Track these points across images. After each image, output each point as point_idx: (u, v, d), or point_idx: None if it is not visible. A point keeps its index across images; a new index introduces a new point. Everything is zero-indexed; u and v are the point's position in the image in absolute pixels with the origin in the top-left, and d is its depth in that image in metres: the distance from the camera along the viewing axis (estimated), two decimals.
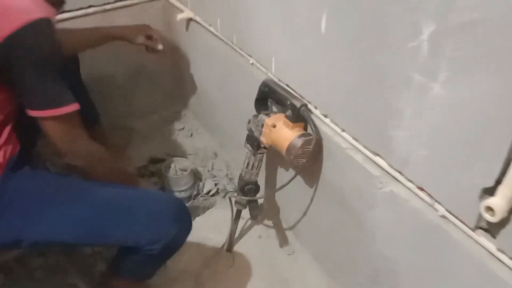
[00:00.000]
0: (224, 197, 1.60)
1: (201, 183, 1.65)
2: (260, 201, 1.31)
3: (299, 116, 1.02)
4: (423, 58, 0.69)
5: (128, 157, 1.74)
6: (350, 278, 1.16)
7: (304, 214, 1.26)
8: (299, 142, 0.99)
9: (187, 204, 1.58)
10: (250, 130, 1.15)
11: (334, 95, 0.94)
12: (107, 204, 0.93)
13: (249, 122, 1.15)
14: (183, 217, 0.98)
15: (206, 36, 1.46)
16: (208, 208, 1.55)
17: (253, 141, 1.15)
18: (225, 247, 1.37)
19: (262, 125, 1.08)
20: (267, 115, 1.10)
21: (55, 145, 0.92)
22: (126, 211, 0.93)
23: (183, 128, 1.88)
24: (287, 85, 1.10)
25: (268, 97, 1.12)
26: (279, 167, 1.30)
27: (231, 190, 1.62)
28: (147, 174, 1.70)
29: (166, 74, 1.87)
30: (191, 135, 1.85)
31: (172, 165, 1.60)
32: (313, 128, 1.00)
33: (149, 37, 1.43)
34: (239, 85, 1.36)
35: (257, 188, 1.21)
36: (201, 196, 1.61)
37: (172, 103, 1.95)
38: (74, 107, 0.89)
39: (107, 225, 0.91)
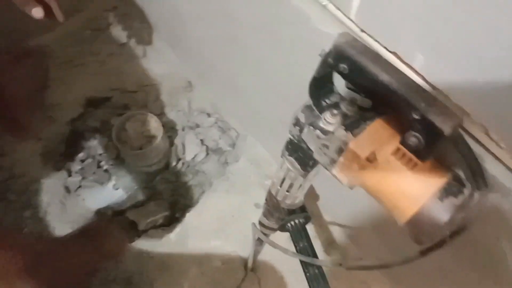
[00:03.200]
0: (223, 164, 1.04)
1: (177, 141, 1.06)
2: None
3: (437, 146, 0.43)
4: None
5: (50, 106, 1.07)
6: None
7: (378, 232, 0.77)
8: (445, 212, 0.44)
9: (160, 187, 1.02)
10: (300, 140, 0.55)
11: None
12: None
13: (297, 124, 0.55)
14: None
15: None
16: (202, 192, 1.01)
17: (304, 159, 0.57)
18: (248, 265, 0.89)
19: (340, 150, 0.49)
20: (338, 115, 0.50)
21: None
22: None
23: (127, 42, 1.16)
24: (395, 53, 0.47)
25: (345, 80, 0.49)
26: None
27: (228, 148, 1.05)
28: (87, 130, 1.07)
29: None
30: (144, 54, 1.15)
31: (129, 127, 0.98)
32: (479, 175, 0.44)
33: None
34: None
35: (306, 219, 0.68)
36: (183, 164, 1.04)
37: None
38: None
39: None
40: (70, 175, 1.01)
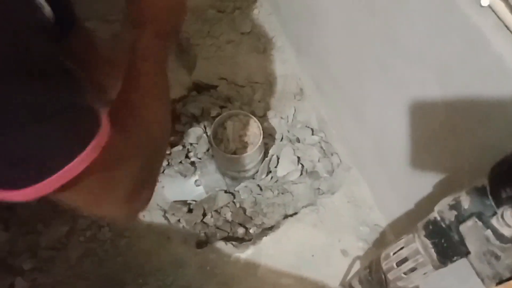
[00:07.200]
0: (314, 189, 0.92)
1: (272, 151, 0.95)
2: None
3: None
4: None
5: None
6: None
7: None
8: None
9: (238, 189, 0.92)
10: (452, 228, 0.41)
11: None
12: None
13: (454, 208, 0.41)
14: None
15: None
16: (283, 214, 0.90)
17: (447, 250, 0.43)
18: None
19: None
20: None
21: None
22: None
23: (250, 32, 1.07)
24: None
25: None
26: None
27: (325, 175, 0.93)
28: (185, 115, 1.01)
29: None
30: (264, 49, 1.05)
31: (229, 126, 0.89)
32: None
33: None
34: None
35: None
36: (272, 178, 0.94)
37: None
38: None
39: None
40: None
